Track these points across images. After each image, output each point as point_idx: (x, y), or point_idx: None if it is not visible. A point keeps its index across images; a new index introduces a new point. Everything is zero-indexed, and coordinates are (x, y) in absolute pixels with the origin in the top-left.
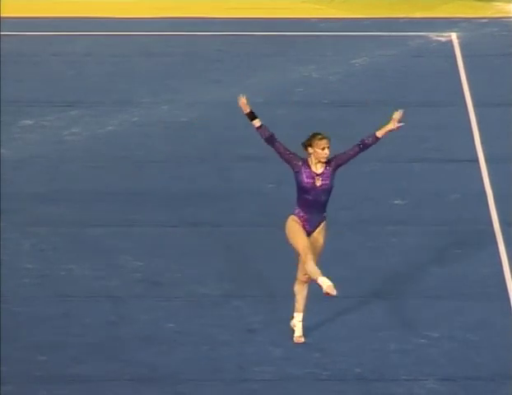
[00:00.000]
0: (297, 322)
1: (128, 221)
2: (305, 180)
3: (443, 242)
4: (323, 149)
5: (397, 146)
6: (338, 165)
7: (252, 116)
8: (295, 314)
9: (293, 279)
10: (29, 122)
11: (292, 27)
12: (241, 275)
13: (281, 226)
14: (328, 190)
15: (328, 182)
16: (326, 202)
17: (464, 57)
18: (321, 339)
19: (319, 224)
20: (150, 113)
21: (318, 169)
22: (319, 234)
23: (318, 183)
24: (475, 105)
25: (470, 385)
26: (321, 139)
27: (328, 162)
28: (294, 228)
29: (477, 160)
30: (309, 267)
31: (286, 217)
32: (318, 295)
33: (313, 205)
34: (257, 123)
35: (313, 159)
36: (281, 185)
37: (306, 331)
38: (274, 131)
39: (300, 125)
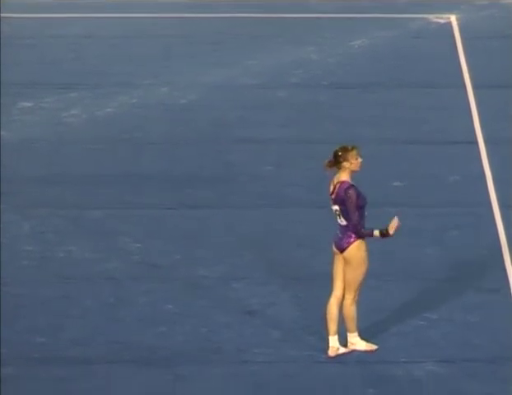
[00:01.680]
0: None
1: (127, 204)
2: (362, 199)
3: (442, 224)
4: (357, 158)
5: (397, 128)
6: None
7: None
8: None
9: (291, 261)
10: (28, 104)
11: (291, 9)
12: (240, 257)
13: (280, 208)
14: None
15: None
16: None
17: (463, 39)
18: (320, 321)
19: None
20: (149, 95)
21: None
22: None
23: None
24: (474, 87)
25: (469, 367)
26: (352, 149)
27: None
28: (366, 259)
29: (476, 142)
30: (353, 311)
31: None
32: (317, 278)
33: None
34: (376, 233)
35: (348, 173)
36: (280, 167)
37: (305, 313)
38: (273, 113)
39: (299, 107)
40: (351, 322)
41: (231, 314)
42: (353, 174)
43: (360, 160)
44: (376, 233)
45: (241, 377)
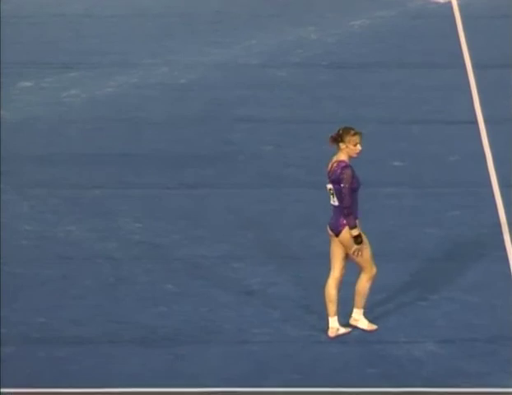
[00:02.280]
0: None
1: (127, 183)
2: (357, 181)
3: (442, 203)
4: (356, 145)
5: (397, 107)
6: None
7: (357, 237)
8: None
9: (291, 240)
10: (28, 83)
11: None
12: (240, 237)
13: (280, 187)
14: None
15: None
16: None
17: (463, 18)
18: (319, 300)
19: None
20: (149, 74)
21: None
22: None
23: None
24: (474, 67)
25: (469, 347)
26: (354, 135)
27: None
28: (365, 239)
29: (476, 122)
30: (366, 288)
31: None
32: (318, 257)
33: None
34: (356, 231)
35: (345, 155)
36: (280, 147)
37: (306, 292)
38: (273, 92)
39: (299, 87)
40: (362, 299)
41: (231, 294)
42: (351, 158)
43: (358, 147)
44: (355, 231)
45: (241, 356)
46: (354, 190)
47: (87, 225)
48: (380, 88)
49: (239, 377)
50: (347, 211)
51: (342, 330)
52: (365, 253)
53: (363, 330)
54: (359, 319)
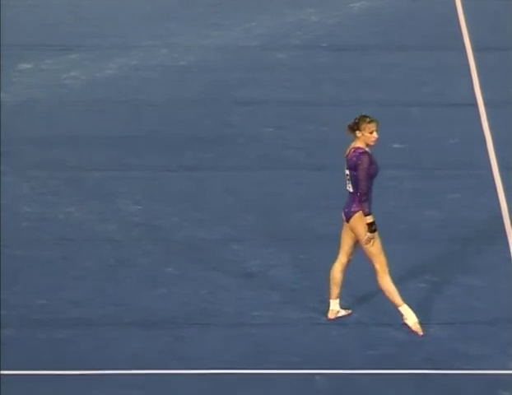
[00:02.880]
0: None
1: (127, 165)
2: (374, 169)
3: (442, 186)
4: (372, 132)
5: (397, 90)
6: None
7: (371, 225)
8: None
9: (291, 223)
10: (27, 66)
11: None
12: (240, 219)
13: (279, 169)
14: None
15: None
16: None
17: (463, 0)
18: (319, 283)
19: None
20: (149, 56)
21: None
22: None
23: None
24: (474, 49)
25: (470, 330)
26: (370, 122)
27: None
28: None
29: (476, 105)
30: (388, 284)
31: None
32: (317, 239)
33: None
34: (370, 218)
35: (362, 143)
36: (280, 129)
37: (305, 275)
38: (273, 75)
39: (299, 69)
40: (391, 297)
41: (231, 276)
42: (368, 146)
43: (375, 135)
44: (369, 218)
45: (240, 339)
46: (370, 177)
47: (87, 207)
48: (380, 70)
49: (238, 359)
50: (363, 198)
51: (342, 312)
52: (376, 245)
53: (410, 328)
54: (407, 317)
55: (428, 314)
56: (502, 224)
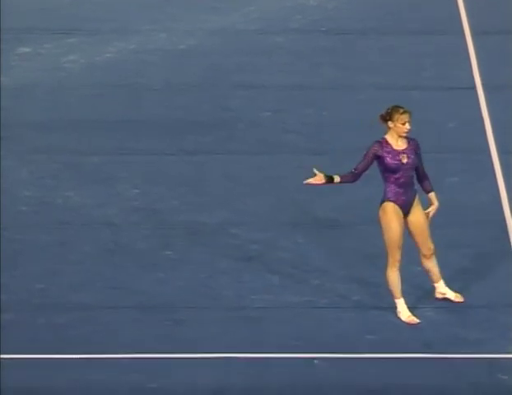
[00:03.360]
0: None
1: (126, 149)
2: (391, 162)
3: (440, 170)
4: (404, 123)
5: (395, 74)
6: (416, 152)
7: (330, 180)
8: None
9: (291, 207)
10: (26, 49)
11: None
12: (239, 203)
13: (279, 154)
14: (413, 167)
15: (413, 157)
16: (413, 176)
17: None
18: (318, 266)
19: (413, 200)
20: (148, 40)
21: (401, 145)
22: (417, 210)
23: (405, 160)
24: (473, 33)
25: (467, 313)
26: (403, 113)
27: (408, 139)
28: (392, 222)
29: (474, 88)
30: (391, 276)
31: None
32: (317, 223)
33: (404, 183)
34: (337, 179)
35: (393, 134)
36: (278, 113)
37: (305, 258)
38: (272, 59)
39: (298, 53)
40: (391, 288)
41: (230, 260)
42: (400, 137)
43: (407, 126)
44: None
45: (240, 322)
46: (390, 170)
47: (86, 191)
48: (379, 54)
49: (238, 343)
50: (352, 172)
51: (450, 293)
52: (386, 237)
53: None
54: (400, 311)
55: (426, 298)
56: (501, 208)
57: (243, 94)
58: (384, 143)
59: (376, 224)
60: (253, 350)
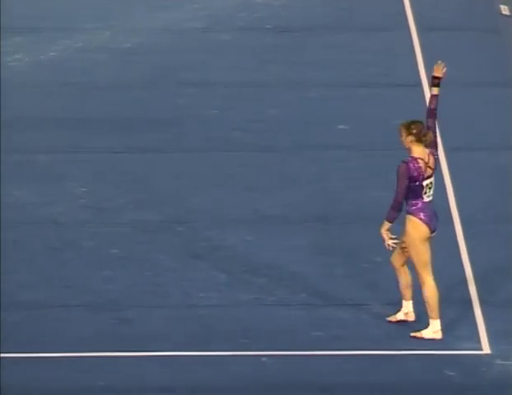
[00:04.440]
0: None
1: (74, 147)
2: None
3: (387, 166)
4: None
5: (342, 70)
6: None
7: (436, 83)
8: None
9: (238, 204)
10: None
11: None
12: (186, 201)
13: (227, 151)
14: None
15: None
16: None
17: None
18: (266, 264)
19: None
20: (93, 38)
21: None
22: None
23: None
24: (418, 29)
25: (416, 310)
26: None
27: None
28: (423, 242)
29: (420, 85)
30: (430, 292)
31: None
32: (264, 221)
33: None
34: (435, 91)
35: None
36: (226, 110)
37: (252, 256)
38: (218, 56)
39: (245, 50)
40: (427, 307)
41: (177, 258)
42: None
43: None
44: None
45: (187, 321)
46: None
47: (34, 190)
48: (326, 51)
49: (185, 341)
50: (394, 204)
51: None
52: (413, 254)
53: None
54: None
55: (373, 295)
56: (447, 203)
57: (190, 91)
58: (409, 162)
59: (322, 222)
60: (201, 348)
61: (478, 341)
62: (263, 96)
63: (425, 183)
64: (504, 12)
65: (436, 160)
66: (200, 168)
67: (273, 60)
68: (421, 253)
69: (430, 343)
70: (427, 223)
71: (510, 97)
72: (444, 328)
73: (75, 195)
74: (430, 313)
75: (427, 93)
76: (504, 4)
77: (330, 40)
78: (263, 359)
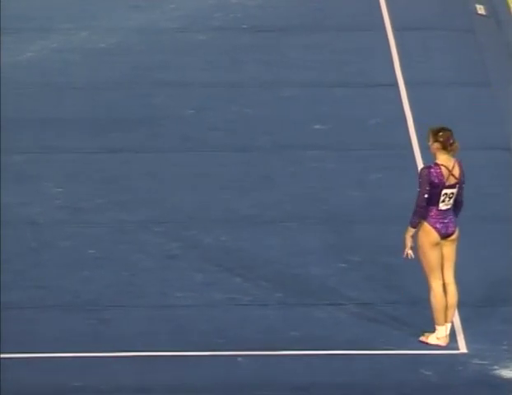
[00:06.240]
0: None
1: (50, 148)
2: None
3: (364, 166)
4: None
5: (318, 70)
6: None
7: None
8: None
9: (214, 204)
10: None
11: None
12: (162, 201)
13: (202, 151)
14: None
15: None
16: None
17: None
18: (242, 264)
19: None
20: (69, 39)
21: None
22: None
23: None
24: (394, 29)
25: (391, 309)
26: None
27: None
28: (431, 247)
29: (396, 85)
30: (435, 297)
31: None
32: (240, 221)
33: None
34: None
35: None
36: (202, 110)
37: (228, 256)
38: (194, 56)
39: (220, 50)
40: (433, 312)
41: (154, 258)
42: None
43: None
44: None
45: (164, 320)
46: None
47: (9, 190)
48: (302, 51)
49: (162, 341)
50: (416, 209)
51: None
52: (422, 259)
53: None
54: (433, 335)
55: (349, 294)
56: None
57: (166, 91)
58: (430, 168)
59: (299, 222)
60: (177, 348)
61: (455, 340)
62: (240, 96)
63: (444, 191)
64: (479, 12)
65: (463, 174)
66: (176, 168)
67: (249, 60)
68: (429, 259)
69: (407, 343)
70: (438, 229)
71: (486, 97)
72: (421, 328)
73: (51, 195)
74: (435, 318)
75: (403, 92)
76: (479, 4)
77: (306, 40)
78: (239, 359)
